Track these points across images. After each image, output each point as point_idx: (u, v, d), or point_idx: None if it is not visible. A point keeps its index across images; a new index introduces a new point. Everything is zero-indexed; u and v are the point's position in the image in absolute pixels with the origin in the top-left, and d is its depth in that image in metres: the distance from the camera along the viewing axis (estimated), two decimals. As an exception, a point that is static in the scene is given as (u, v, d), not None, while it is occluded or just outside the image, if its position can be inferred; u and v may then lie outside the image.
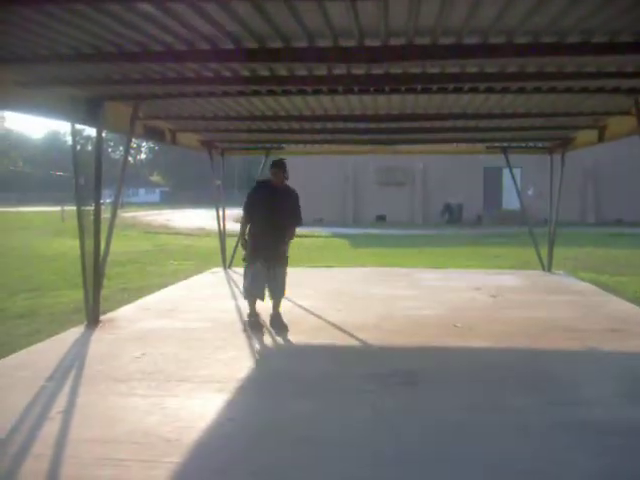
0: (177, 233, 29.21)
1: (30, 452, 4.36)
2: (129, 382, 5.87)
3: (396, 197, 36.73)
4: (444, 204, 35.59)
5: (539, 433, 4.66)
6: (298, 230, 8.35)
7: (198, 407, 5.23)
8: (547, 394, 5.60)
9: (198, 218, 39.71)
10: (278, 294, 8.06)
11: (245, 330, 7.97)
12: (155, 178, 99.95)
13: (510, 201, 33.13)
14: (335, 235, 27.22)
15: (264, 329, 7.97)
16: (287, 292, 8.18)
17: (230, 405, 5.32)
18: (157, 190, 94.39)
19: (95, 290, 8.27)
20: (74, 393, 5.64)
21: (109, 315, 8.93)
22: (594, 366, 6.53)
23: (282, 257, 7.99)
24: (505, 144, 13.21)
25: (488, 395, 5.59)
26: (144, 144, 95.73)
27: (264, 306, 8.16)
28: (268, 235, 7.78)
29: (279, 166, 7.92)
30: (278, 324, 8.05)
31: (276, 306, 8.13)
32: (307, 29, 5.02)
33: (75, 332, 7.95)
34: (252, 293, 8.01)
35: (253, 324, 8.02)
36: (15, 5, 4.29)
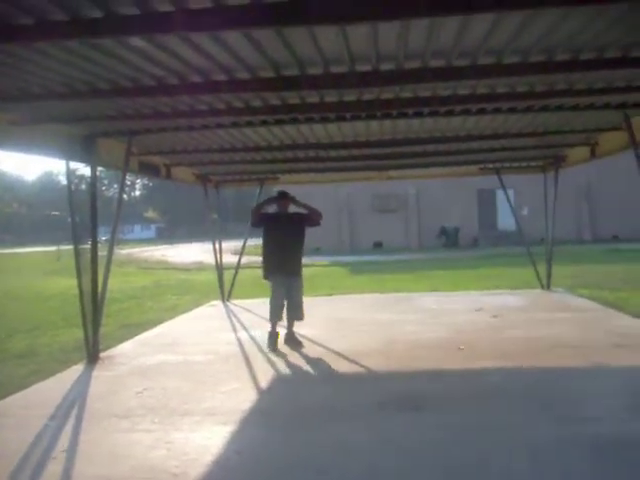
0: (174, 268, 29.14)
1: (35, 493, 4.30)
2: (132, 418, 5.82)
3: (391, 223, 36.78)
4: (440, 228, 35.60)
5: (549, 450, 4.62)
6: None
7: (203, 440, 5.16)
8: (555, 411, 5.55)
9: (194, 252, 39.66)
10: (294, 314, 8.74)
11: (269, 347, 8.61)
12: (150, 214, 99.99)
13: (505, 222, 33.23)
14: (333, 263, 27.20)
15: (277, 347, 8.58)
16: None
17: (236, 437, 5.26)
18: (153, 226, 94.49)
19: (94, 327, 8.22)
20: (77, 431, 5.58)
21: (109, 352, 8.87)
22: (600, 382, 6.48)
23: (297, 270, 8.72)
24: (498, 165, 13.29)
25: (496, 415, 5.54)
26: (138, 181, 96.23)
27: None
28: (281, 252, 8.57)
29: (284, 196, 8.87)
30: (292, 342, 8.73)
31: (290, 325, 8.83)
32: (298, 57, 5.06)
33: (75, 370, 7.90)
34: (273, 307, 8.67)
35: (270, 339, 8.66)
36: (5, 43, 4.30)
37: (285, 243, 8.57)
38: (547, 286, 13.85)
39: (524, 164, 13.44)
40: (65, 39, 4.28)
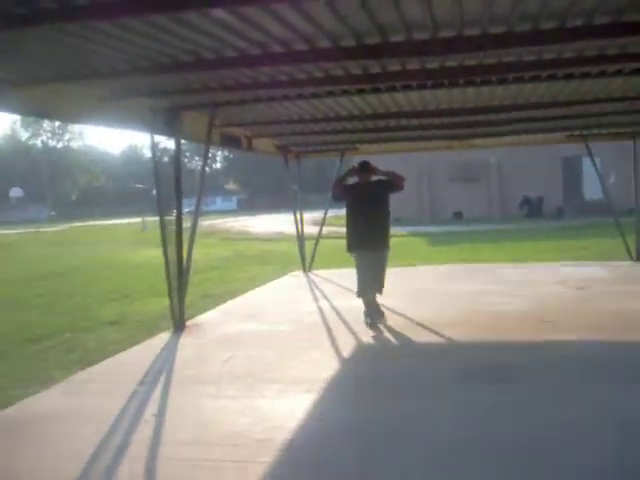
0: (255, 239, 29.54)
1: (126, 454, 4.47)
2: (218, 385, 5.96)
3: (472, 192, 36.12)
4: (522, 197, 34.66)
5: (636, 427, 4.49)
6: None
7: (288, 408, 5.25)
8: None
9: (276, 223, 39.96)
10: (377, 285, 8.29)
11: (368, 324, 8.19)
12: (231, 186, 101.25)
13: (592, 191, 32.12)
14: (413, 234, 26.98)
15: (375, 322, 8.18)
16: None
17: (320, 405, 5.33)
18: (234, 198, 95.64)
19: (180, 296, 8.43)
20: (166, 396, 5.78)
21: (194, 320, 9.10)
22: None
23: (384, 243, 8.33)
24: (585, 132, 12.84)
25: (585, 391, 5.41)
26: (219, 153, 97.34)
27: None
28: (366, 226, 8.16)
29: (365, 167, 8.38)
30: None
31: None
32: (379, 24, 4.98)
33: (163, 338, 8.14)
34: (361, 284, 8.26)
35: (371, 326, 8.14)
36: (92, 20, 4.38)
37: (369, 216, 8.19)
38: (636, 258, 13.37)
39: (613, 130, 12.96)
40: (150, 13, 4.34)
